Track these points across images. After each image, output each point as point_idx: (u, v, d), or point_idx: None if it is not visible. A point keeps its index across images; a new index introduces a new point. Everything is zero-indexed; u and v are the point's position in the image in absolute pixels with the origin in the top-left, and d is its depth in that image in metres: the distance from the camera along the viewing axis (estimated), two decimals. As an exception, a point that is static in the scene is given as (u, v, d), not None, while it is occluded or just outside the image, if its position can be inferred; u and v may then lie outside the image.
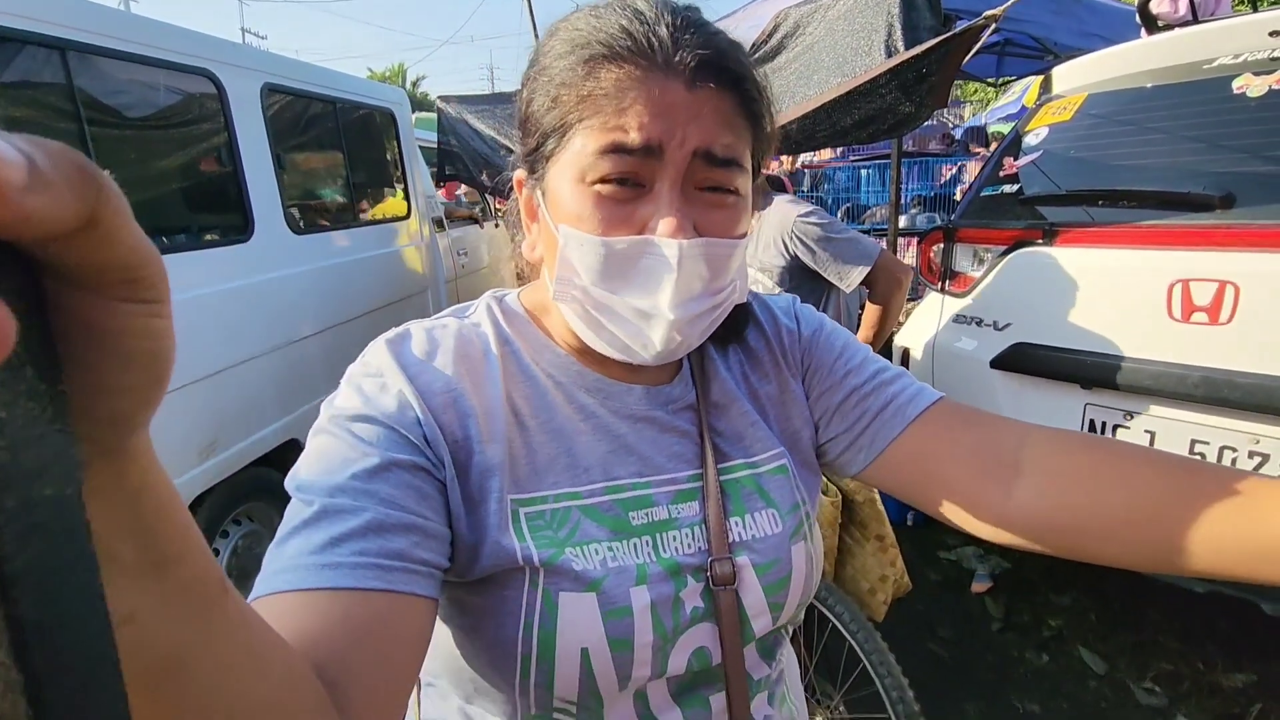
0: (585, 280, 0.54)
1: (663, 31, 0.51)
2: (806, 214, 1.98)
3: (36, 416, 0.17)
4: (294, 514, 0.47)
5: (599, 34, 0.52)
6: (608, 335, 0.56)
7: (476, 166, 4.85)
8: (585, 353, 0.61)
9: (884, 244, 2.73)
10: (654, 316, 0.53)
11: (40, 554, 0.17)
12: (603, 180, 0.52)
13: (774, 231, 1.96)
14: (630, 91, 0.50)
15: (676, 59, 0.51)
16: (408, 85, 38.40)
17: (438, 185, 5.11)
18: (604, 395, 0.61)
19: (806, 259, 2.01)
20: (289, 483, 0.50)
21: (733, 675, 0.58)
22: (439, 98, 5.25)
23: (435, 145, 5.09)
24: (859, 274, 1.98)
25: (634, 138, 0.50)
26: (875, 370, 0.67)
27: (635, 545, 0.57)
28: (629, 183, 0.52)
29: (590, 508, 0.57)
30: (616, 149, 0.50)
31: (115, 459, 0.23)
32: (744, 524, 0.61)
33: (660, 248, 0.51)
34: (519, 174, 0.61)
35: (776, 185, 2.62)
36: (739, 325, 0.69)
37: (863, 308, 2.18)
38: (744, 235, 0.57)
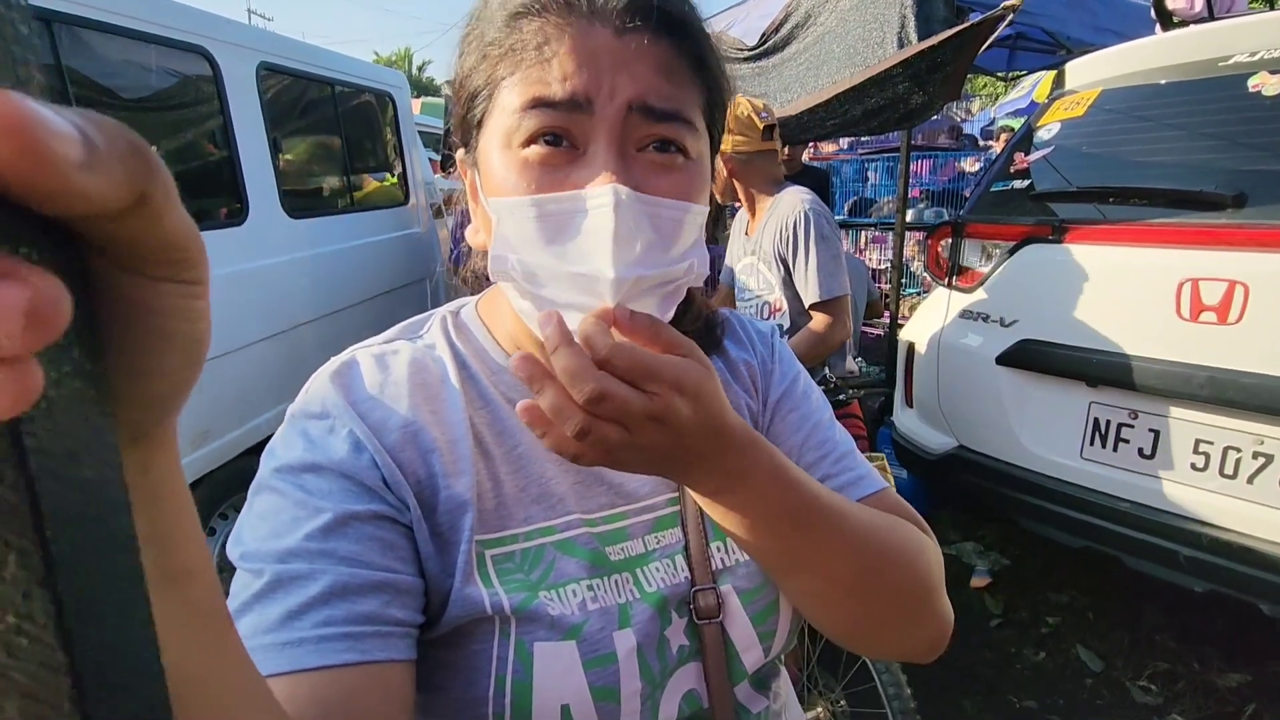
0: (521, 253, 0.47)
1: None
2: (819, 209, 1.91)
3: (81, 397, 0.17)
4: (241, 587, 0.42)
5: None
6: None
7: None
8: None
9: (891, 237, 2.70)
10: (595, 280, 0.45)
11: (84, 536, 0.17)
12: (530, 141, 0.46)
13: (779, 220, 1.92)
14: (554, 40, 0.45)
15: (602, 2, 0.45)
16: (413, 70, 38.19)
17: (445, 172, 5.09)
18: None
19: (786, 249, 1.90)
20: (231, 550, 0.45)
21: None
22: (445, 83, 5.22)
23: (441, 131, 5.06)
24: (815, 293, 1.84)
25: (556, 89, 0.44)
26: (825, 441, 0.62)
27: (616, 582, 0.52)
28: (560, 143, 0.46)
29: (566, 542, 0.52)
30: (539, 103, 0.45)
31: (143, 447, 0.22)
32: (726, 548, 0.56)
33: (595, 199, 0.45)
34: (459, 153, 0.56)
35: (820, 179, 2.52)
36: (716, 337, 0.64)
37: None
38: (700, 203, 0.50)
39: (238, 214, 2.50)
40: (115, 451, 0.18)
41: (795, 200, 1.89)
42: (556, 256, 0.46)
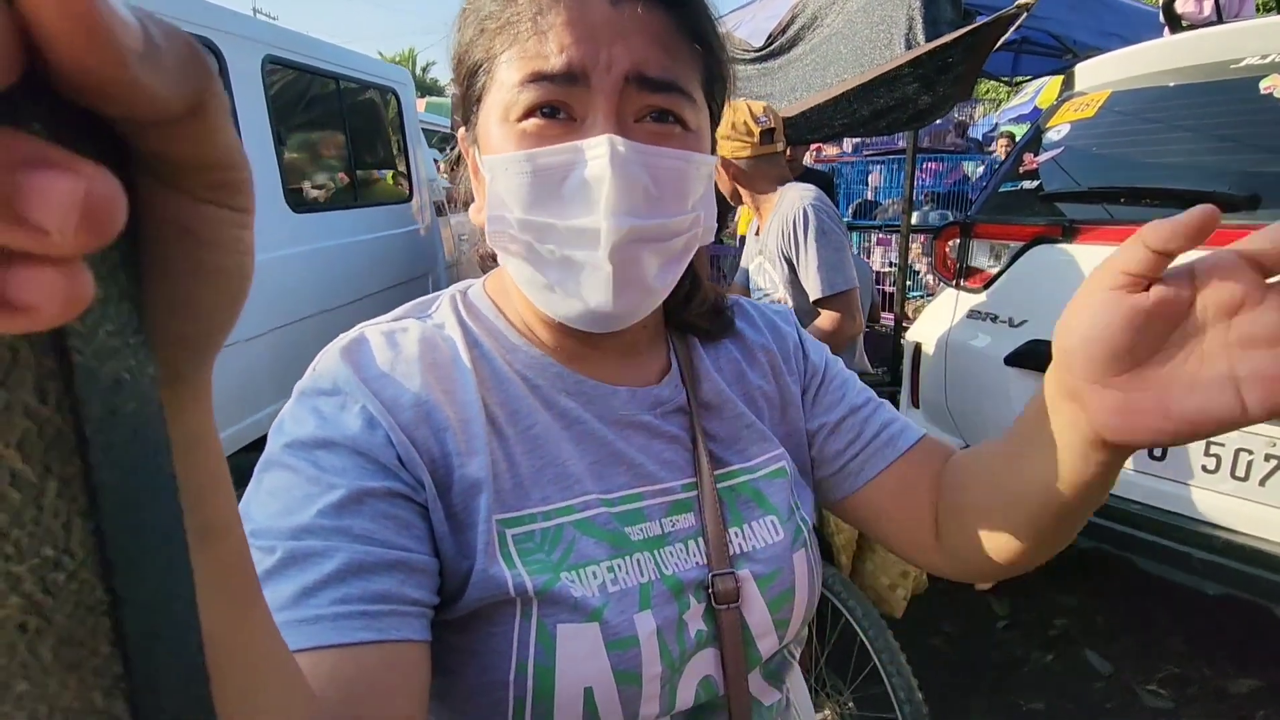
0: (518, 211, 0.47)
1: None
2: (820, 205, 1.90)
3: (125, 324, 0.16)
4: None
5: None
6: (555, 276, 0.49)
7: None
8: (559, 347, 0.55)
9: (895, 240, 2.69)
10: (595, 231, 0.45)
11: (127, 470, 0.16)
12: (527, 114, 0.46)
13: (781, 217, 1.91)
14: (549, 13, 0.45)
15: None
16: (417, 70, 38.26)
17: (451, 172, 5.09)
18: (586, 399, 0.54)
19: (789, 246, 1.88)
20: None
21: (737, 707, 0.53)
22: (451, 81, 5.22)
23: (446, 130, 5.06)
24: (818, 289, 1.83)
25: (554, 63, 0.44)
26: (868, 397, 0.66)
27: (639, 562, 0.51)
28: (558, 115, 0.46)
29: (585, 522, 0.51)
30: (537, 77, 0.45)
31: (179, 391, 0.21)
32: (743, 534, 0.56)
33: (592, 149, 0.45)
34: (460, 133, 0.56)
35: (823, 181, 2.52)
36: (726, 319, 0.64)
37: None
38: (703, 153, 0.50)
39: None
40: (156, 386, 0.17)
41: (796, 197, 1.88)
42: (553, 212, 0.46)
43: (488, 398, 0.51)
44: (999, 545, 0.53)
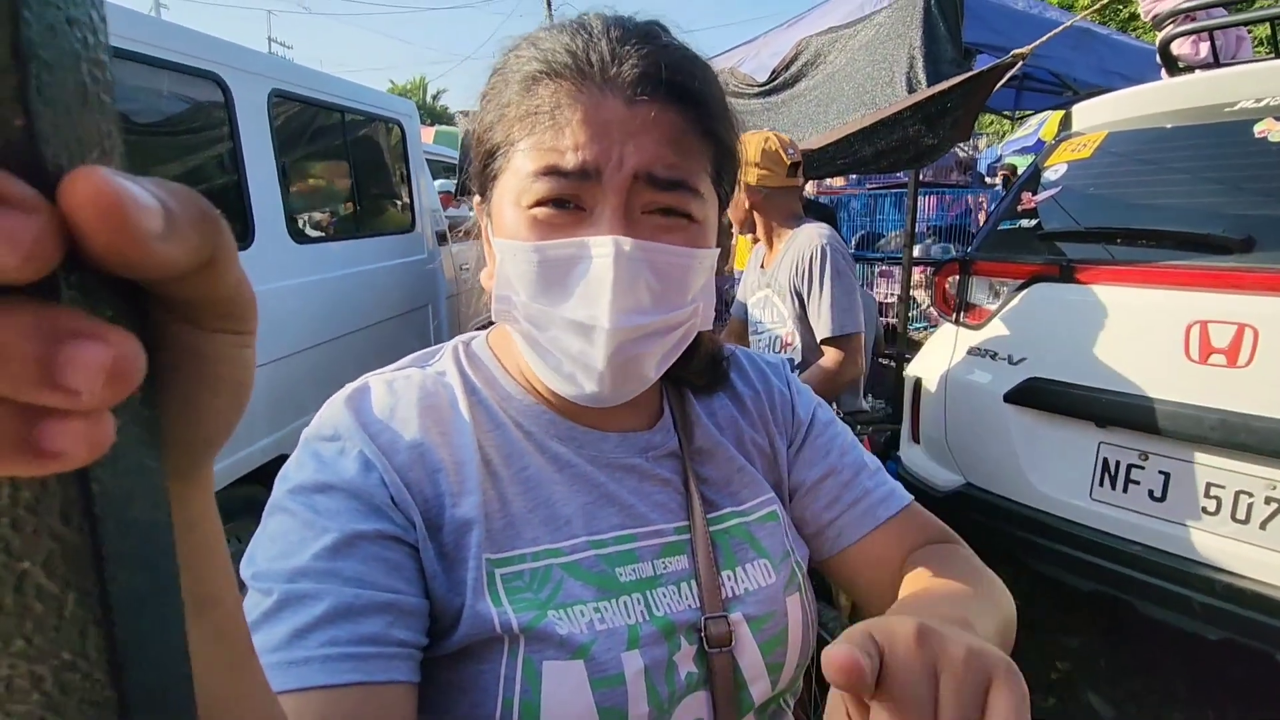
0: (523, 295, 0.50)
1: (604, 46, 0.48)
2: (837, 245, 1.91)
3: (138, 442, 0.18)
4: (252, 606, 0.44)
5: (542, 51, 0.49)
6: (553, 361, 0.51)
7: None
8: (553, 398, 0.57)
9: (898, 273, 2.71)
10: (594, 330, 0.48)
11: (137, 577, 0.18)
12: (539, 203, 0.48)
13: (797, 254, 1.92)
14: (565, 109, 0.47)
15: (614, 72, 0.48)
16: (428, 98, 38.93)
17: (457, 201, 5.15)
18: (578, 444, 0.57)
19: (801, 283, 1.91)
20: (244, 569, 0.46)
21: None
22: (460, 113, 5.30)
23: (453, 161, 5.12)
24: (828, 328, 1.85)
25: (569, 160, 0.47)
26: (855, 460, 0.66)
27: (625, 604, 0.52)
28: (568, 205, 0.48)
29: (573, 565, 0.52)
30: (551, 171, 0.48)
31: (184, 484, 0.23)
32: (735, 577, 0.57)
33: (596, 247, 0.47)
34: (476, 200, 0.59)
35: (826, 214, 2.55)
36: (722, 371, 0.66)
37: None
38: (705, 249, 0.52)
39: (243, 237, 2.50)
40: (165, 494, 0.19)
41: (813, 235, 1.90)
42: (557, 302, 0.49)
43: (483, 441, 0.54)
44: None
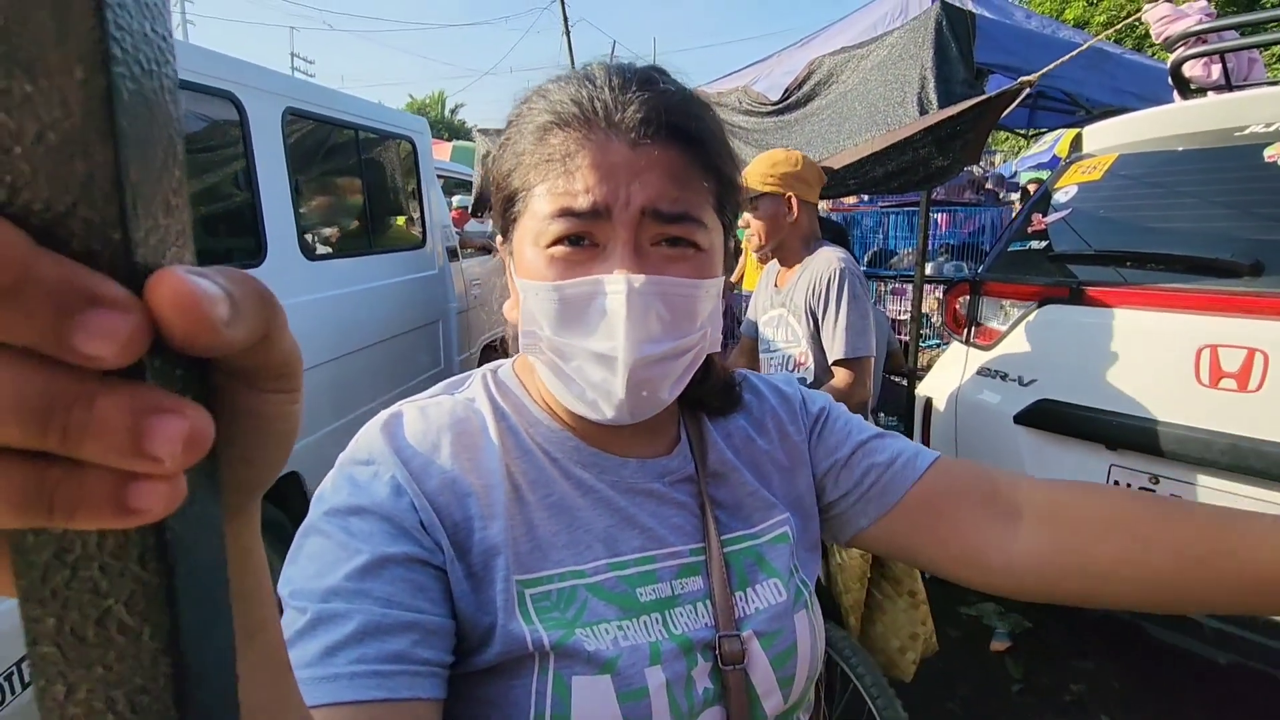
0: (547, 330, 0.54)
1: (607, 94, 0.53)
2: (854, 269, 1.93)
3: (203, 491, 0.21)
4: (289, 624, 0.46)
5: (551, 103, 0.54)
6: (576, 389, 0.55)
7: None
8: (578, 426, 0.60)
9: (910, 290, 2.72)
10: (612, 360, 0.52)
11: (199, 611, 0.21)
12: (555, 242, 0.53)
13: (814, 274, 1.94)
14: (576, 155, 0.52)
15: (618, 118, 0.52)
16: (446, 113, 39.37)
17: (477, 217, 5.18)
18: (600, 469, 0.60)
19: (817, 303, 1.92)
20: (281, 588, 0.49)
21: None
22: (478, 130, 5.37)
23: (469, 178, 5.16)
24: (840, 350, 1.87)
25: (581, 201, 0.51)
26: (877, 431, 0.70)
27: (646, 623, 0.55)
28: (583, 242, 0.53)
29: (596, 586, 0.55)
30: (565, 212, 0.52)
31: (235, 521, 0.26)
32: (747, 597, 0.59)
33: (608, 285, 0.51)
34: (498, 240, 0.63)
35: (838, 235, 2.56)
36: (735, 396, 0.69)
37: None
38: (711, 278, 0.56)
39: (255, 254, 2.53)
40: (223, 536, 0.22)
41: (832, 257, 1.92)
42: (577, 334, 0.53)
43: (512, 466, 0.57)
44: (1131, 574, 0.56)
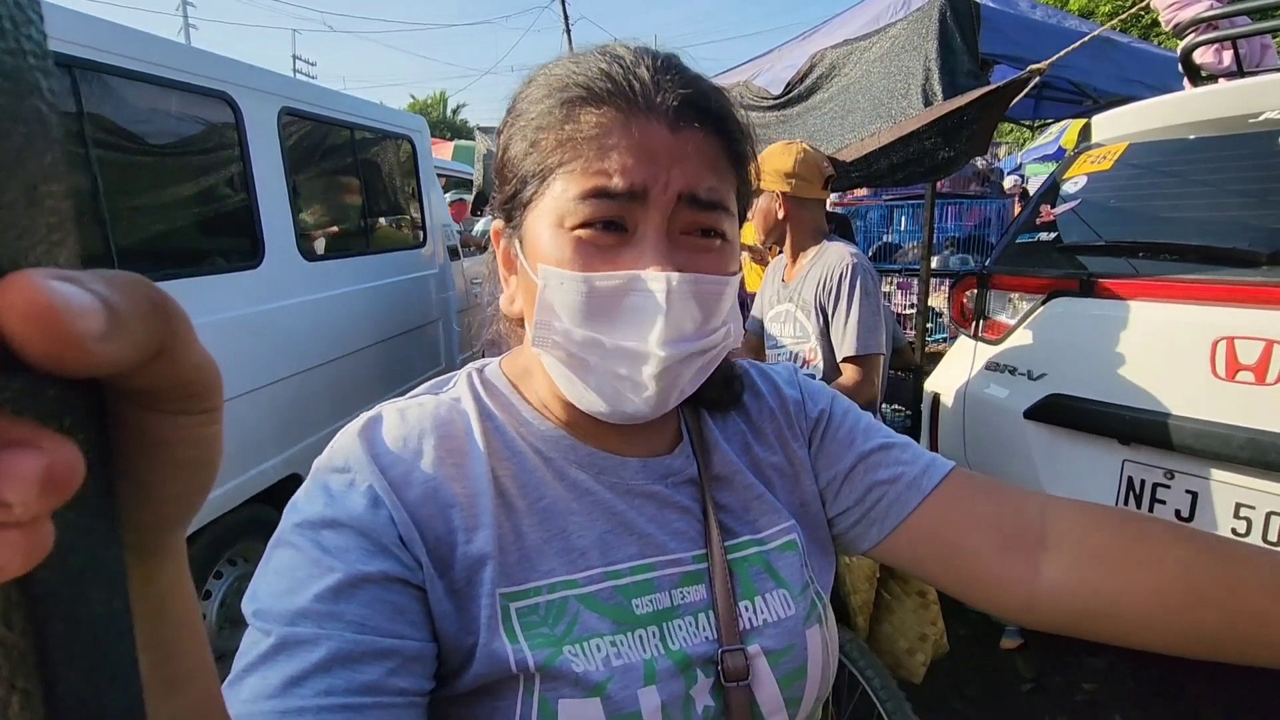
0: (567, 322, 0.50)
1: (643, 73, 0.49)
2: (866, 265, 1.89)
3: (92, 533, 0.18)
4: (250, 646, 0.43)
5: (578, 77, 0.50)
6: (595, 382, 0.51)
7: None
8: (574, 423, 0.57)
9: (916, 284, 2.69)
10: (645, 356, 0.49)
11: (86, 672, 0.17)
12: (583, 225, 0.49)
13: (825, 269, 1.90)
14: (612, 134, 0.48)
15: (659, 100, 0.49)
16: (448, 112, 39.39)
17: (476, 214, 5.17)
18: (597, 470, 0.56)
19: (828, 299, 1.89)
20: (246, 605, 0.45)
21: None
22: (478, 128, 5.35)
23: (470, 177, 5.15)
24: (851, 347, 1.83)
25: (617, 182, 0.48)
26: (882, 440, 0.65)
27: (641, 638, 0.51)
28: (612, 227, 0.49)
29: (589, 597, 0.51)
30: (599, 193, 0.48)
31: (148, 562, 0.23)
32: (754, 608, 0.56)
33: (648, 283, 0.48)
34: (496, 224, 0.58)
35: (841, 223, 2.54)
36: (735, 391, 0.66)
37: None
38: (735, 274, 0.54)
39: (253, 256, 2.50)
40: (124, 580, 0.19)
41: (843, 252, 1.89)
42: (604, 330, 0.50)
43: (499, 470, 0.53)
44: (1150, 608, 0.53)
